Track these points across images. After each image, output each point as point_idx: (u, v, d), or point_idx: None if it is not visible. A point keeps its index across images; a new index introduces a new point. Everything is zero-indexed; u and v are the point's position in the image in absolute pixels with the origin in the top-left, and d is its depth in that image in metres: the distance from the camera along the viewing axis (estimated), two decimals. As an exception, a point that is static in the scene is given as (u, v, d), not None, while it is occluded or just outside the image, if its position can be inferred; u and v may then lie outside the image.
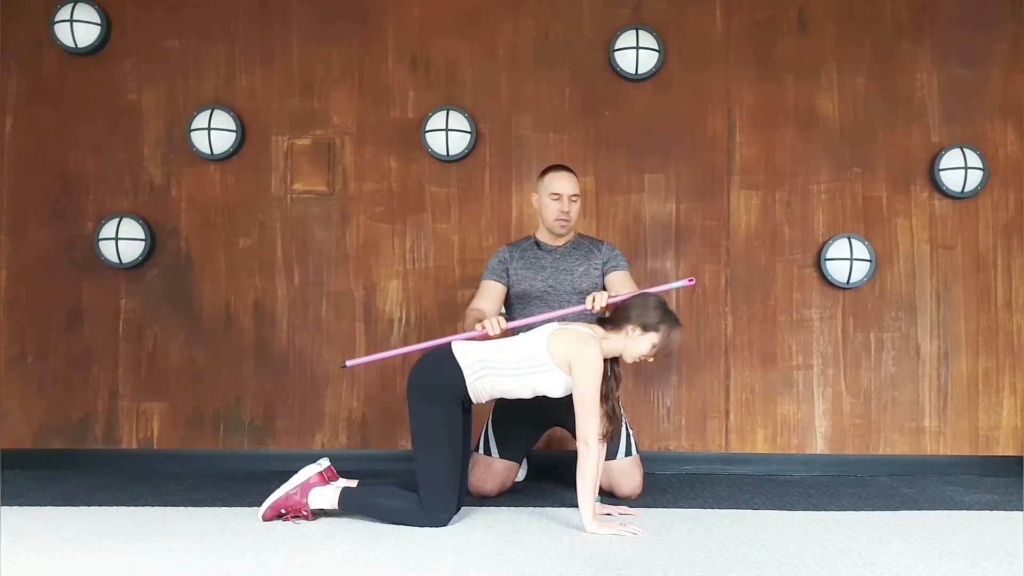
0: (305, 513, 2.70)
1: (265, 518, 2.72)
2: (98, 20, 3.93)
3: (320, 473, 2.75)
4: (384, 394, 3.89)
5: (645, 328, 2.67)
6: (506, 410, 3.19)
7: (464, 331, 3.01)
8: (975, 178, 3.82)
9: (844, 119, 3.91)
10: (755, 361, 3.88)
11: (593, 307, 2.80)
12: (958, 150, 3.83)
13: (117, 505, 3.02)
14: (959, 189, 3.83)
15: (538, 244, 3.33)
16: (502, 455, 3.20)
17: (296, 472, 2.77)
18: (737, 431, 3.87)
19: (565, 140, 3.93)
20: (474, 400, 2.71)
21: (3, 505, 2.98)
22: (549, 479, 3.50)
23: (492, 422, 3.25)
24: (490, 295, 3.25)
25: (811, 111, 3.92)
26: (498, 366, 2.67)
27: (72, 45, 3.92)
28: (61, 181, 3.97)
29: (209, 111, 3.90)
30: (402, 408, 3.55)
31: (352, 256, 3.94)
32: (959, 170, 3.81)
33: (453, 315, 3.88)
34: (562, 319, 2.91)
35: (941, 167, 3.84)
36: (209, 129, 3.89)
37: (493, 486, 3.18)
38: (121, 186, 3.96)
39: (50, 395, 3.93)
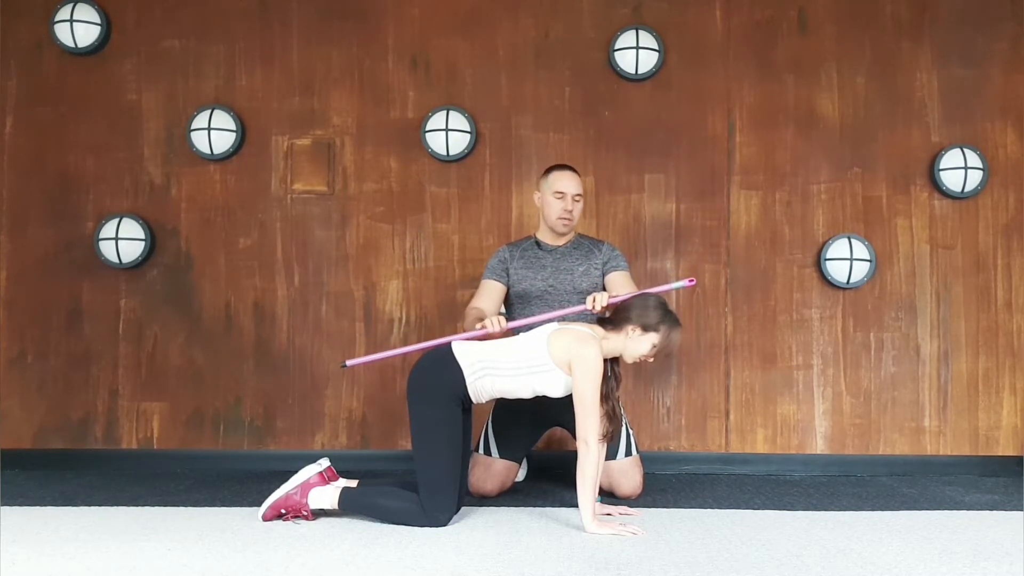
0: (305, 513, 2.70)
1: (265, 518, 2.72)
2: (98, 20, 3.93)
3: (320, 473, 2.75)
4: (384, 394, 3.89)
5: (645, 328, 2.66)
6: (506, 410, 3.19)
7: (464, 330, 3.01)
8: (975, 178, 3.82)
9: (844, 119, 3.91)
10: (755, 361, 3.88)
11: (593, 307, 2.80)
12: (958, 150, 3.83)
13: (117, 505, 3.01)
14: (959, 189, 3.83)
15: (538, 244, 3.33)
16: (502, 455, 3.20)
17: (296, 472, 2.77)
18: (737, 431, 3.87)
19: (565, 140, 3.93)
20: (474, 400, 2.71)
21: (3, 505, 2.98)
22: (549, 479, 3.50)
23: (492, 422, 3.25)
24: (490, 294, 3.25)
25: (811, 111, 3.92)
26: (498, 366, 2.67)
27: (72, 45, 3.92)
28: (61, 181, 3.97)
29: (209, 111, 3.90)
30: (402, 408, 3.55)
31: (352, 256, 3.94)
32: (959, 170, 3.81)
33: (453, 315, 3.88)
34: (562, 319, 2.91)
35: (941, 167, 3.84)
36: (209, 129, 3.89)
37: (493, 486, 3.18)
38: (121, 186, 3.96)
39: (50, 395, 3.93)
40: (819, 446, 3.85)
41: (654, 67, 3.89)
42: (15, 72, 3.98)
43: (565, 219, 3.24)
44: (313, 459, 2.82)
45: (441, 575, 2.15)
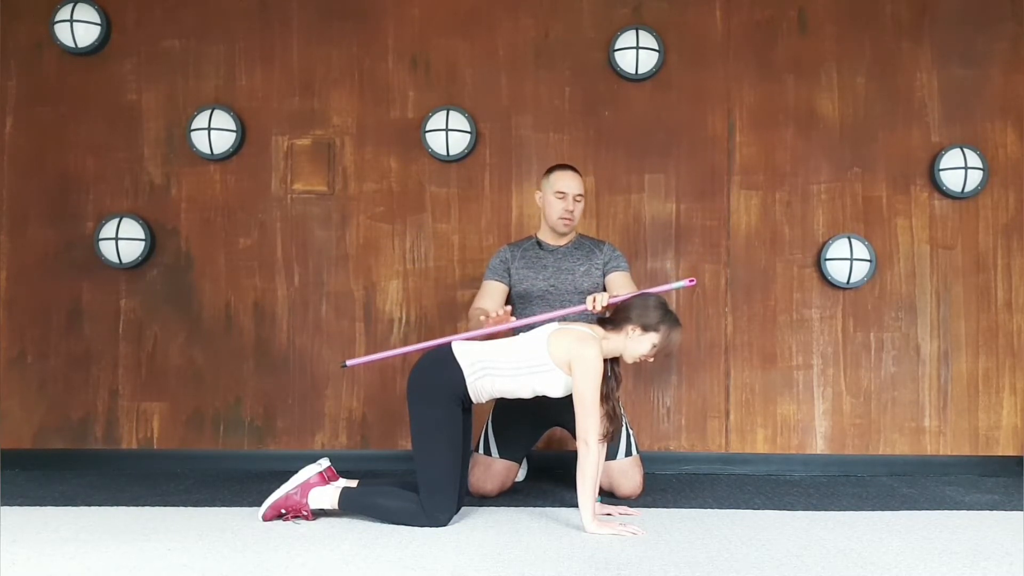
0: (305, 513, 2.70)
1: (265, 518, 2.72)
2: (98, 20, 3.93)
3: (320, 473, 2.75)
4: (384, 394, 3.89)
5: (645, 328, 2.67)
6: (506, 410, 3.19)
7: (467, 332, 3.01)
8: (975, 178, 3.82)
9: (844, 119, 3.91)
10: (755, 361, 3.88)
11: (594, 307, 2.80)
12: (958, 150, 3.83)
13: (117, 505, 3.01)
14: (959, 189, 3.83)
15: (539, 244, 3.33)
16: (502, 455, 3.20)
17: (296, 472, 2.77)
18: (737, 431, 3.87)
19: (565, 140, 3.93)
20: (474, 400, 2.72)
21: (3, 505, 2.98)
22: (549, 479, 3.50)
23: (492, 422, 3.25)
24: (491, 295, 3.25)
25: (811, 111, 3.92)
26: (498, 366, 2.67)
27: (72, 45, 3.92)
28: (61, 181, 3.97)
29: (209, 111, 3.90)
30: (402, 408, 3.55)
31: (352, 256, 3.94)
32: (959, 170, 3.81)
33: (453, 315, 3.88)
34: (563, 319, 2.91)
35: (941, 167, 3.84)
36: (209, 129, 3.89)
37: (493, 486, 3.18)
38: (121, 186, 3.96)
39: (50, 395, 3.93)
40: (819, 446, 3.85)
41: (654, 67, 3.89)
42: (15, 72, 3.98)
43: (566, 219, 3.24)
44: (313, 459, 2.82)
45: (441, 575, 2.15)
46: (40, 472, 3.70)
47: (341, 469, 2.91)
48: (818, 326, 3.88)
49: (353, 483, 2.80)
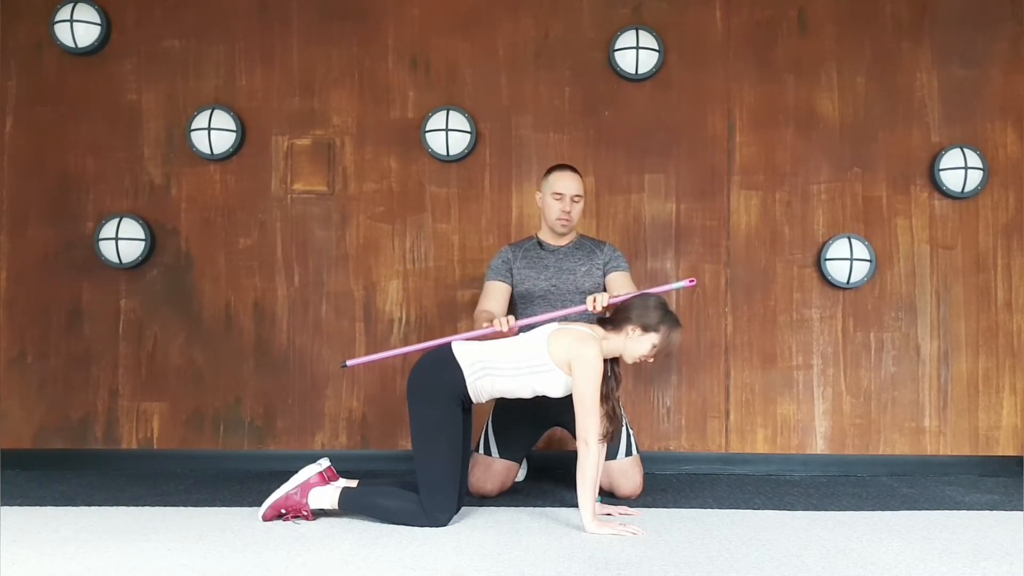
0: (305, 513, 2.70)
1: (265, 518, 2.72)
2: (98, 20, 3.93)
3: (320, 473, 2.75)
4: (384, 394, 3.89)
5: (645, 328, 2.67)
6: (506, 410, 3.19)
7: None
8: (975, 178, 3.82)
9: (844, 119, 3.91)
10: (755, 361, 3.88)
11: (594, 307, 2.80)
12: (958, 150, 3.83)
13: (117, 505, 3.02)
14: (959, 189, 3.83)
15: (540, 244, 3.34)
16: (502, 455, 3.20)
17: (296, 472, 2.77)
18: (737, 431, 3.87)
19: (565, 140, 3.93)
20: (474, 400, 2.72)
21: (3, 505, 2.98)
22: (549, 479, 3.50)
23: (492, 422, 3.25)
24: (496, 296, 3.25)
25: (811, 111, 3.92)
26: (498, 366, 2.67)
27: (72, 45, 3.92)
28: (61, 181, 3.97)
29: (209, 111, 3.90)
30: (402, 408, 3.55)
31: (352, 256, 3.94)
32: (959, 170, 3.81)
33: (453, 315, 3.88)
34: (563, 319, 2.91)
35: (941, 167, 3.84)
36: (209, 129, 3.89)
37: (493, 486, 3.18)
38: (121, 186, 3.96)
39: (50, 395, 3.93)
40: (819, 446, 3.85)
41: (654, 67, 3.89)
42: (15, 72, 3.98)
43: (563, 220, 3.25)
44: (313, 459, 2.82)
45: (441, 575, 2.15)
46: (40, 472, 3.70)
47: (341, 469, 2.91)
48: (818, 326, 3.88)
49: (353, 483, 2.80)
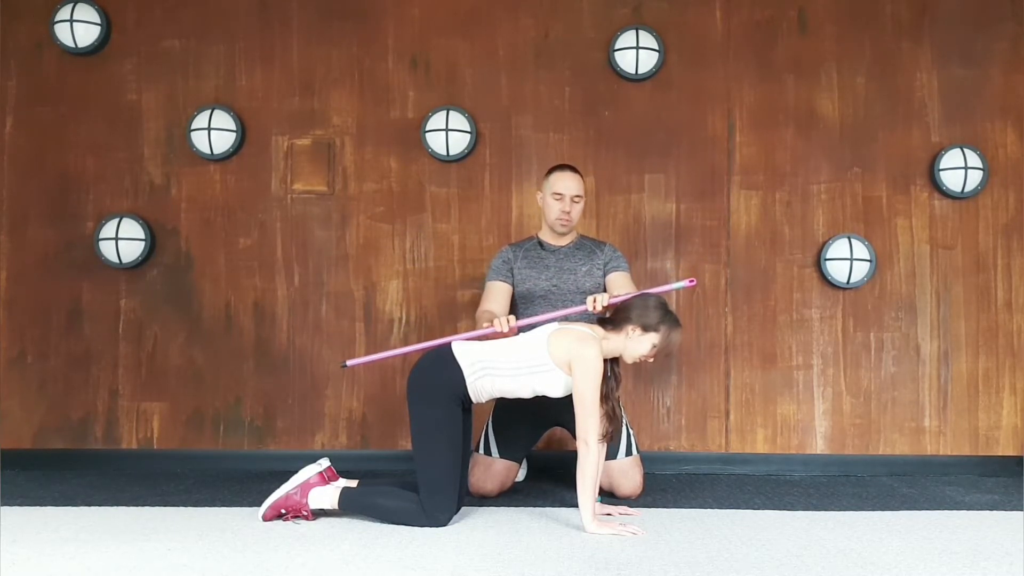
0: (305, 513, 2.70)
1: (265, 518, 2.72)
2: (98, 20, 3.93)
3: (320, 473, 2.75)
4: (384, 394, 3.89)
5: (645, 328, 2.67)
6: (506, 410, 3.19)
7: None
8: (975, 178, 3.82)
9: (844, 119, 3.91)
10: (755, 361, 3.88)
11: (594, 307, 2.80)
12: (958, 150, 3.83)
13: (117, 505, 3.02)
14: (959, 189, 3.83)
15: (541, 244, 3.34)
16: (502, 455, 3.20)
17: (296, 472, 2.77)
18: (737, 431, 3.87)
19: (565, 140, 3.93)
20: (474, 400, 2.72)
21: (3, 505, 2.98)
22: (549, 479, 3.50)
23: (492, 422, 3.25)
24: (497, 296, 3.25)
25: (811, 111, 3.92)
26: (498, 366, 2.67)
27: (72, 45, 3.92)
28: (61, 181, 3.97)
29: (209, 111, 3.90)
30: (402, 408, 3.55)
31: (352, 256, 3.94)
32: (959, 170, 3.81)
33: (453, 315, 3.88)
34: (563, 319, 2.91)
35: (941, 167, 3.84)
36: (209, 129, 3.89)
37: (493, 486, 3.18)
38: (121, 186, 3.96)
39: (50, 395, 3.93)
40: (819, 446, 3.85)
41: (654, 67, 3.89)
42: (15, 72, 3.98)
43: (563, 220, 3.25)
44: (313, 459, 2.82)
45: (441, 575, 2.15)
46: (40, 472, 3.70)
47: (341, 469, 2.91)
48: (818, 326, 3.88)
49: (353, 483, 2.80)
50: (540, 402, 2.83)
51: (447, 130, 3.86)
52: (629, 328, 2.67)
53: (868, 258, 3.82)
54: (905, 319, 3.87)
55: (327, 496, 2.72)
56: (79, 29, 3.90)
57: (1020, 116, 3.89)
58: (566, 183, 3.24)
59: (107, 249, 3.88)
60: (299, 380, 3.92)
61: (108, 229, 3.88)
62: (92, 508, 2.96)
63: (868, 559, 2.30)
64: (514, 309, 3.30)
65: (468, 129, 3.88)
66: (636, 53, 3.86)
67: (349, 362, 3.07)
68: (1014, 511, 2.97)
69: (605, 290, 3.23)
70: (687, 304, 3.87)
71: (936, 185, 3.86)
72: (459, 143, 3.88)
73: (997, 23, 3.90)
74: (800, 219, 3.91)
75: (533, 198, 3.73)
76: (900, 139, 3.90)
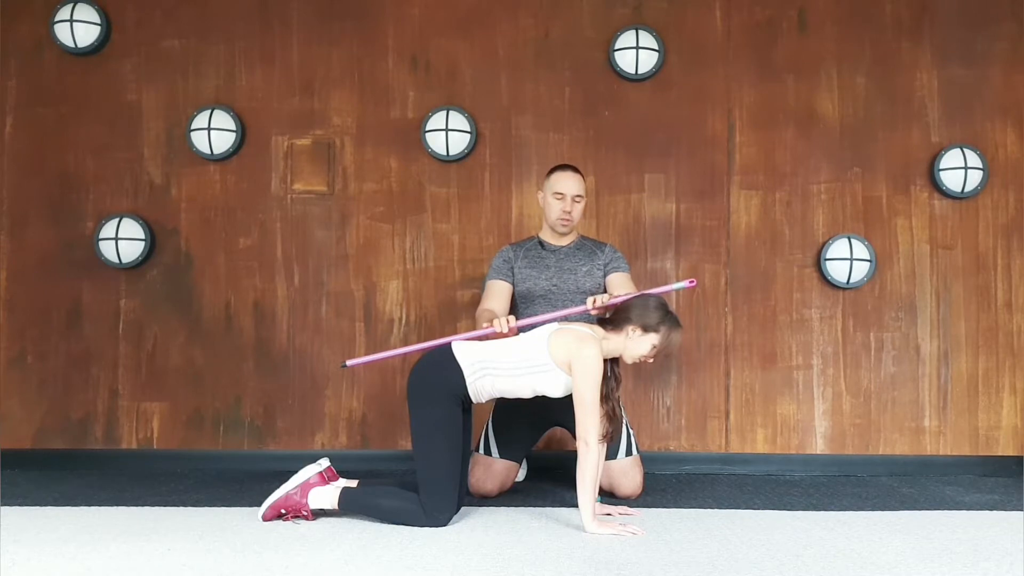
0: (305, 513, 2.70)
1: (265, 518, 2.72)
2: (98, 20, 3.93)
3: (320, 473, 2.75)
4: (384, 394, 3.89)
5: (645, 329, 2.67)
6: (506, 410, 3.19)
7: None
8: (975, 178, 3.82)
9: (844, 119, 3.91)
10: (755, 361, 3.88)
11: (594, 307, 2.80)
12: (958, 150, 3.83)
13: (117, 505, 3.02)
14: (959, 189, 3.83)
15: (542, 244, 3.34)
16: (502, 455, 3.20)
17: (296, 472, 2.77)
18: (737, 431, 3.87)
19: (565, 140, 3.93)
20: (474, 400, 2.72)
21: (3, 505, 2.98)
22: (549, 479, 3.50)
23: (492, 422, 3.25)
24: (498, 296, 3.25)
25: (811, 111, 3.92)
26: (498, 366, 2.67)
27: (72, 45, 3.92)
28: (61, 181, 3.97)
29: (209, 111, 3.90)
30: (402, 408, 3.55)
31: (352, 256, 3.94)
32: (959, 170, 3.81)
33: (453, 315, 3.88)
34: (563, 319, 2.91)
35: (941, 167, 3.84)
36: (209, 129, 3.89)
37: (493, 486, 3.18)
38: (121, 186, 3.96)
39: (50, 395, 3.93)
40: (819, 446, 3.85)
41: (654, 67, 3.89)
42: (15, 72, 3.98)
43: (564, 220, 3.25)
44: (313, 459, 2.82)
45: (441, 575, 2.15)
46: (40, 472, 3.69)
47: (341, 469, 2.91)
48: (818, 326, 3.88)
49: (353, 483, 2.80)
50: (540, 402, 2.83)
51: (447, 130, 3.86)
52: (629, 328, 2.67)
53: (868, 258, 3.82)
54: (905, 319, 3.87)
55: (327, 496, 2.72)
56: (79, 29, 3.90)
57: (1020, 116, 3.89)
58: (567, 183, 3.24)
59: (107, 249, 3.88)
60: (299, 380, 3.92)
61: (108, 229, 3.88)
62: (92, 508, 2.96)
63: (868, 559, 2.30)
64: (514, 309, 3.30)
65: (468, 129, 3.88)
66: (636, 53, 3.86)
67: (349, 362, 3.07)
68: (1014, 511, 2.97)
69: (605, 291, 3.23)
70: (687, 304, 3.87)
71: (936, 185, 3.86)
72: (459, 143, 3.88)
73: (997, 23, 3.90)
74: (800, 219, 3.91)
75: (533, 198, 3.73)
76: (900, 139, 3.90)
